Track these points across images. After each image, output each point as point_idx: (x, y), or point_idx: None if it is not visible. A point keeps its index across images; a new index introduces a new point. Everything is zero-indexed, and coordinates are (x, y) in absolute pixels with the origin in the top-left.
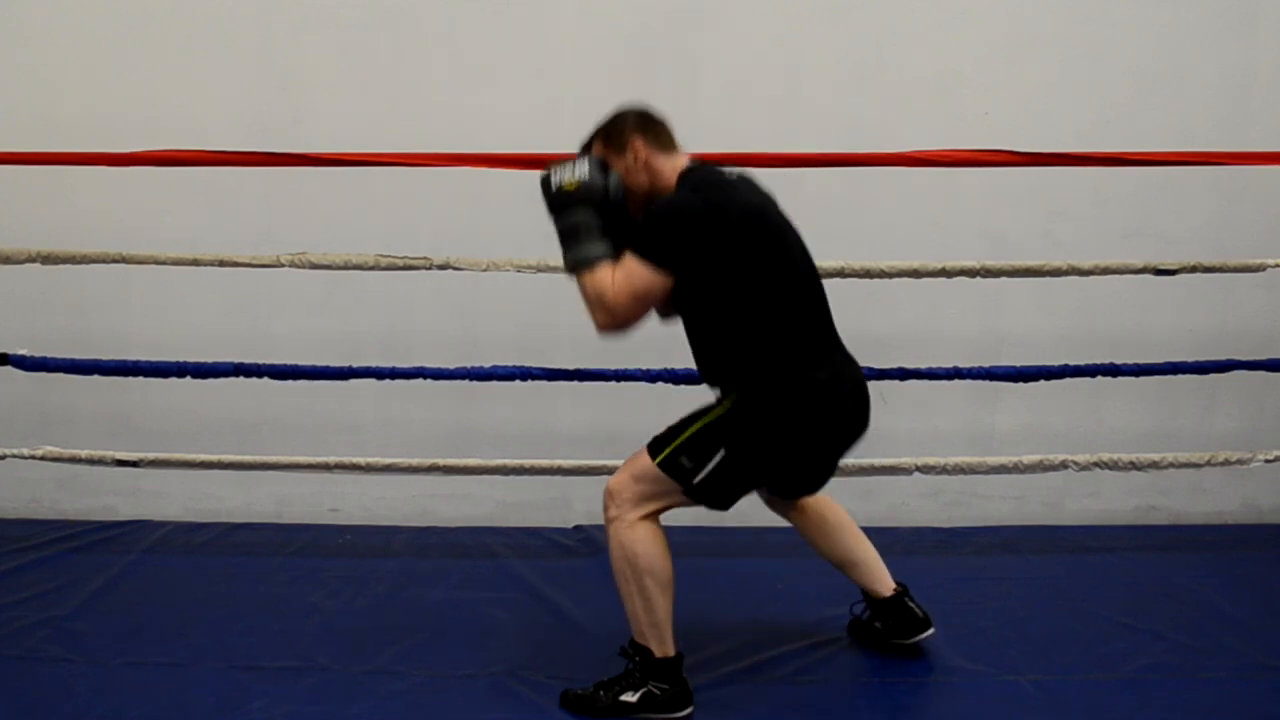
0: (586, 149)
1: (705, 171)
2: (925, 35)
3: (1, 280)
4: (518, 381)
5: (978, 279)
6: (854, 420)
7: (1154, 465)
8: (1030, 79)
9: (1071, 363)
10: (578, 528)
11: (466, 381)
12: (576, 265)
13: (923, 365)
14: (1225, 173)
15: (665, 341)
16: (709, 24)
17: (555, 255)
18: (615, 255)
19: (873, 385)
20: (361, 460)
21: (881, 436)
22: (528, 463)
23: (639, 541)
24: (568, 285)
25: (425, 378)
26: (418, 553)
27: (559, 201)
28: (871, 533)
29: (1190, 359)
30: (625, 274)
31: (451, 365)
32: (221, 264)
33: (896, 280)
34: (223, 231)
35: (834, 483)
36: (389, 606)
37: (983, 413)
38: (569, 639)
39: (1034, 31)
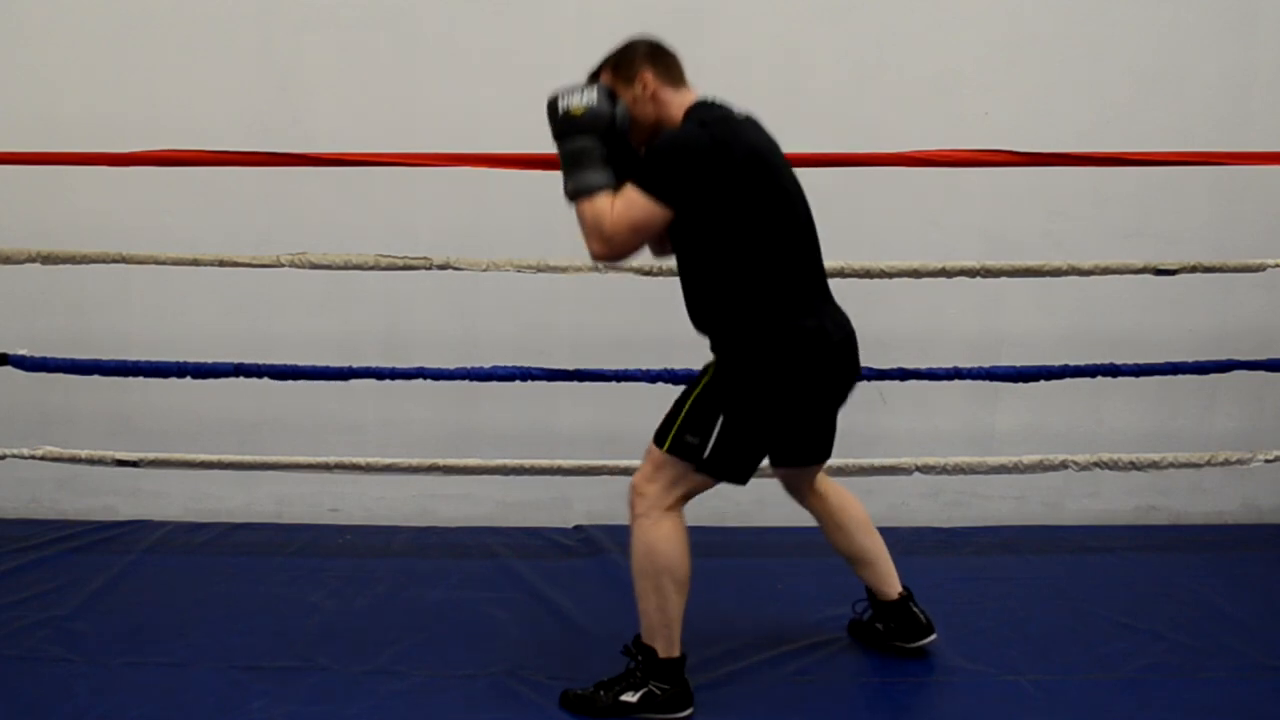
0: (595, 76)
1: (713, 108)
2: (925, 35)
3: (1, 280)
4: (518, 381)
5: (978, 279)
6: (845, 369)
7: (1154, 465)
8: (1030, 79)
9: (1071, 363)
10: (578, 528)
11: (466, 381)
12: (577, 192)
13: (923, 365)
14: (1225, 173)
15: (665, 341)
16: (709, 24)
17: (555, 255)
18: (616, 185)
19: (873, 385)
20: (361, 460)
21: (881, 436)
22: (528, 463)
23: (662, 540)
24: (568, 285)
25: (425, 378)
26: (418, 553)
27: (564, 126)
28: None
29: (1190, 359)
30: (625, 204)
31: (451, 365)
32: (221, 264)
33: (896, 280)
34: (223, 231)
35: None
36: (389, 606)
37: (983, 413)
38: (569, 639)
39: (1034, 31)
